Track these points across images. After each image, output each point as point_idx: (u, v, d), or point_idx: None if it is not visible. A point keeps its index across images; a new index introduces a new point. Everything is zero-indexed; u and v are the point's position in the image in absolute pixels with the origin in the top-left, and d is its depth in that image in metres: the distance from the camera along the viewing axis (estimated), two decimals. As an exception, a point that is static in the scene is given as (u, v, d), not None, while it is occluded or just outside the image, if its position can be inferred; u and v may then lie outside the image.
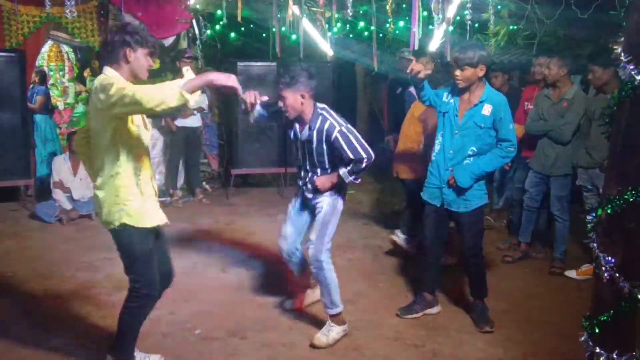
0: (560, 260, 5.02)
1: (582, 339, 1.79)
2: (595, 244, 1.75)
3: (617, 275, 1.64)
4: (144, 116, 3.08)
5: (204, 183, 7.97)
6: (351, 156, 3.51)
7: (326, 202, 3.69)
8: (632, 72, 1.64)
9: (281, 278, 4.61)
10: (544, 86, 5.20)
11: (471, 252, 3.99)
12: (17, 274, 4.74)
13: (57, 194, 6.41)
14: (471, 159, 3.80)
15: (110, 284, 4.50)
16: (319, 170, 3.71)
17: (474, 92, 3.79)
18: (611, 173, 1.78)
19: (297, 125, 3.68)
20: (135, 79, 2.99)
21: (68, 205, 6.38)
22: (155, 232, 3.12)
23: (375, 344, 3.66)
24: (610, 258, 1.66)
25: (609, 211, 1.66)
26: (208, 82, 2.80)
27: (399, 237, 5.25)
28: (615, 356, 1.63)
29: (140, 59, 2.95)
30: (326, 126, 3.53)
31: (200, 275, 4.81)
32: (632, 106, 1.72)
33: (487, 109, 3.74)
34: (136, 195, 2.99)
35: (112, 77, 2.86)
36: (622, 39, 1.70)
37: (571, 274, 4.88)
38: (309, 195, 3.77)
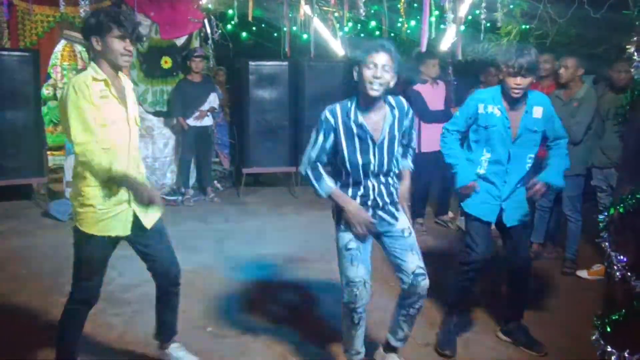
0: (571, 261, 5.00)
1: (594, 337, 1.79)
2: (607, 243, 1.75)
3: (629, 274, 1.64)
4: (129, 111, 2.90)
5: (215, 182, 8.01)
6: (414, 138, 3.18)
7: (406, 220, 3.14)
8: (646, 72, 1.65)
9: (292, 277, 4.63)
10: (557, 87, 5.16)
11: (527, 266, 3.69)
12: (30, 270, 4.80)
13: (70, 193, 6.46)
14: (530, 166, 3.53)
15: (124, 281, 4.55)
16: (391, 174, 3.08)
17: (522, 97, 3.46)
18: (624, 172, 1.78)
19: (364, 121, 2.97)
20: (115, 69, 2.85)
21: (81, 204, 6.43)
22: (139, 238, 2.99)
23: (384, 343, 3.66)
24: (622, 257, 1.66)
25: (621, 210, 1.66)
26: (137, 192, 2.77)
27: None
28: (627, 355, 1.63)
29: (110, 45, 2.76)
30: (404, 106, 3.03)
31: (212, 273, 4.84)
32: (646, 106, 1.73)
33: (537, 112, 3.49)
34: (98, 200, 2.81)
35: (68, 93, 2.70)
36: (635, 38, 1.70)
37: (582, 274, 4.87)
38: (395, 215, 3.09)
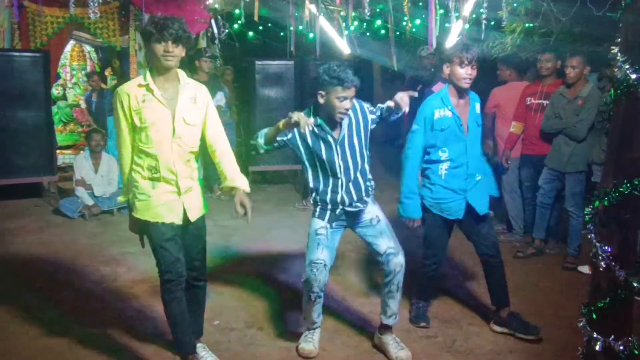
0: (573, 256, 5.06)
1: (581, 324, 1.87)
2: (593, 235, 1.83)
3: (613, 264, 1.72)
4: (176, 112, 3.06)
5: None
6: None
7: (377, 210, 3.51)
8: (627, 71, 1.72)
9: (297, 272, 4.71)
10: (564, 85, 5.19)
11: (496, 250, 3.87)
12: (42, 267, 4.91)
13: (79, 191, 6.58)
14: (479, 156, 3.84)
15: (132, 277, 4.65)
16: (359, 170, 3.40)
17: (466, 94, 3.74)
18: (608, 167, 1.86)
19: (326, 133, 3.33)
20: (162, 73, 3.03)
21: (90, 201, 6.54)
22: (183, 227, 3.18)
23: (388, 336, 3.75)
24: (606, 247, 1.74)
25: (605, 203, 1.74)
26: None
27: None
28: (612, 341, 1.71)
29: (152, 49, 2.98)
30: (361, 107, 3.39)
31: (219, 269, 4.94)
32: (627, 103, 1.80)
33: (477, 107, 3.79)
34: (148, 190, 3.08)
35: (116, 100, 3.06)
36: (619, 39, 1.78)
37: (584, 269, 4.91)
38: (355, 207, 3.42)
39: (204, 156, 7.46)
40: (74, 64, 9.57)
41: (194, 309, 3.38)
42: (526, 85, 5.72)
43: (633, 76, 1.69)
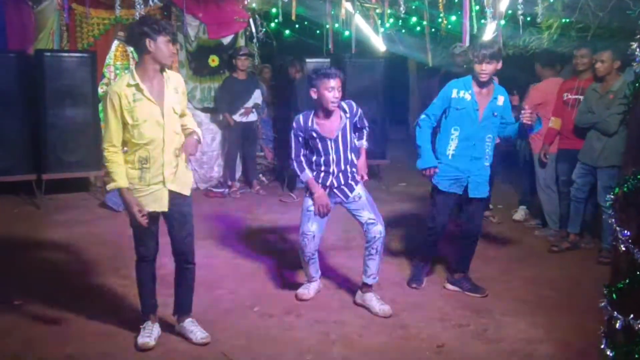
0: (608, 251, 5.07)
1: (602, 305, 1.97)
2: (613, 219, 1.93)
3: (632, 246, 1.82)
4: (164, 107, 3.31)
5: (260, 175, 8.32)
6: (365, 123, 4.14)
7: (360, 189, 4.10)
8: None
9: (333, 263, 4.87)
10: (595, 80, 5.23)
11: (478, 232, 4.45)
12: (93, 256, 5.17)
13: (125, 185, 6.85)
14: (489, 147, 4.21)
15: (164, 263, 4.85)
16: (349, 162, 4.04)
17: (489, 85, 4.16)
18: (628, 156, 1.96)
19: (318, 127, 3.94)
20: (161, 66, 3.30)
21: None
22: (171, 215, 3.47)
23: (421, 324, 3.88)
24: (626, 231, 1.84)
25: (625, 190, 1.84)
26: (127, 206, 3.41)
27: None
28: (631, 320, 1.81)
29: (160, 47, 3.22)
30: (353, 107, 4.01)
31: (257, 259, 5.13)
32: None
33: (500, 100, 4.19)
34: (135, 181, 3.34)
35: (106, 100, 3.28)
36: (638, 36, 1.87)
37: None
38: (348, 192, 4.06)
39: (244, 153, 7.76)
40: (117, 63, 9.80)
41: (184, 289, 3.70)
42: (562, 81, 5.75)
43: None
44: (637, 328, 1.77)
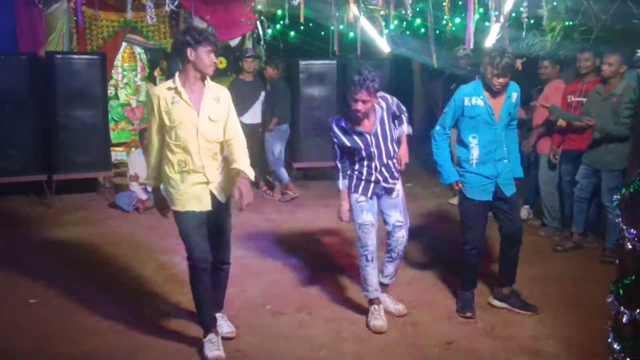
0: (611, 250, 5.16)
1: (609, 300, 2.07)
2: (620, 219, 2.02)
3: (638, 244, 1.91)
4: (200, 112, 3.40)
5: (267, 176, 8.40)
6: (403, 108, 4.04)
7: (399, 186, 4.04)
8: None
9: (341, 261, 4.97)
10: (601, 82, 5.29)
11: (520, 235, 4.16)
12: (103, 255, 5.27)
13: (134, 186, 6.93)
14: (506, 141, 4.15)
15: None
16: (391, 156, 3.95)
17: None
18: (634, 157, 2.05)
19: (358, 127, 3.85)
20: (202, 75, 3.41)
21: (144, 195, 6.89)
22: (210, 216, 3.52)
23: (430, 321, 3.98)
24: (632, 230, 1.93)
25: (631, 190, 1.93)
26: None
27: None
28: (637, 314, 1.91)
29: (201, 56, 3.33)
30: (388, 99, 3.91)
31: (268, 258, 5.23)
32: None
33: (514, 97, 4.06)
34: (177, 183, 3.44)
35: (148, 101, 3.49)
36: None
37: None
38: (390, 184, 3.97)
39: (250, 154, 7.83)
40: (125, 65, 10.00)
41: (218, 288, 3.75)
42: (563, 83, 5.86)
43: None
44: (643, 322, 1.87)
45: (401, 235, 3.98)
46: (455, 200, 7.01)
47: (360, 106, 3.73)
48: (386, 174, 3.95)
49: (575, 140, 5.49)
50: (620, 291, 1.95)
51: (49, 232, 5.99)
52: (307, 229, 6.15)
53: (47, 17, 7.56)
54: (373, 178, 3.94)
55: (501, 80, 3.91)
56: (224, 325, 3.76)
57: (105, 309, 4.13)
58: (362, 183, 3.97)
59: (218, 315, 3.76)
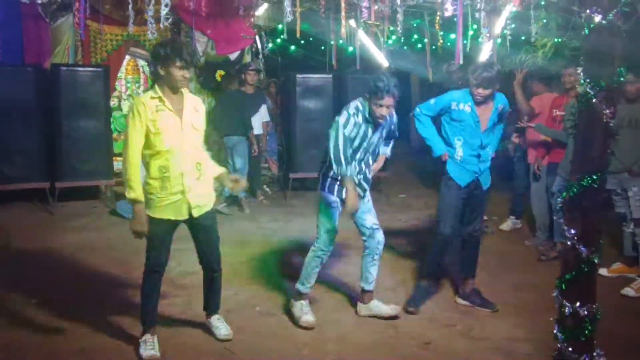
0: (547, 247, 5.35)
1: (554, 294, 2.26)
2: (562, 220, 2.21)
3: (577, 243, 2.10)
4: (183, 120, 3.55)
5: (264, 186, 8.60)
6: (397, 134, 4.26)
7: (368, 193, 4.20)
8: (587, 88, 2.11)
9: (332, 268, 5.16)
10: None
11: (479, 231, 4.56)
12: (103, 261, 5.45)
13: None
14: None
15: (182, 269, 5.13)
16: (371, 162, 4.13)
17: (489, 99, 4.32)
18: (574, 165, 2.25)
19: (370, 129, 3.98)
20: (174, 91, 3.55)
21: (144, 203, 7.09)
22: (191, 224, 3.69)
23: (411, 324, 4.15)
24: (572, 230, 2.12)
25: (571, 194, 2.13)
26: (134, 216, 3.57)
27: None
28: (577, 307, 2.10)
29: (171, 72, 3.46)
30: (393, 115, 4.10)
31: (261, 262, 5.44)
32: (588, 113, 2.18)
33: (500, 108, 4.37)
34: (156, 190, 3.54)
35: (132, 109, 3.51)
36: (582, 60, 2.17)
37: (603, 271, 5.14)
38: (366, 187, 4.12)
39: (249, 165, 8.04)
40: (128, 77, 10.21)
41: (212, 293, 3.98)
42: (555, 96, 6.06)
43: (591, 92, 2.08)
44: (582, 314, 2.05)
45: (381, 236, 4.16)
46: None
47: (385, 111, 3.87)
48: (362, 177, 4.07)
49: (559, 153, 5.67)
50: (563, 286, 2.14)
51: (52, 238, 6.19)
52: (301, 236, 6.31)
53: (54, 31, 7.84)
54: (356, 176, 4.01)
55: (480, 90, 4.18)
56: (222, 327, 3.90)
57: (103, 308, 4.32)
58: (337, 185, 4.03)
59: (215, 317, 3.96)
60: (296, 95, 8.18)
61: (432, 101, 4.42)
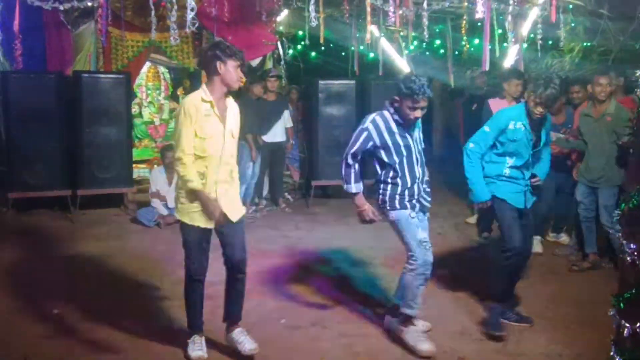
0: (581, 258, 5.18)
1: (611, 313, 2.11)
2: (620, 234, 2.07)
3: (637, 259, 1.95)
4: (226, 127, 3.52)
5: (286, 194, 8.51)
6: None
7: None
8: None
9: (358, 278, 5.03)
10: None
11: (529, 254, 4.36)
12: (126, 268, 5.38)
13: (155, 203, 7.09)
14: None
15: (209, 278, 5.02)
16: (426, 171, 3.94)
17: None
18: (632, 174, 2.10)
19: (404, 131, 3.80)
20: (228, 89, 3.51)
21: (165, 211, 7.03)
22: (219, 233, 3.61)
23: (442, 337, 3.99)
24: (632, 245, 1.98)
25: (630, 205, 1.98)
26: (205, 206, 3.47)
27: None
28: (638, 328, 1.95)
29: (230, 70, 3.43)
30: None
31: (285, 272, 5.31)
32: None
33: (549, 121, 4.27)
34: (190, 196, 3.48)
35: (179, 111, 3.45)
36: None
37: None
38: (427, 202, 3.97)
39: (270, 172, 7.96)
40: (149, 84, 10.20)
41: (234, 297, 3.82)
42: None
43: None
44: (643, 335, 1.91)
45: (431, 255, 3.84)
46: (472, 220, 7.07)
47: (419, 113, 3.73)
48: (423, 191, 3.92)
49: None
50: (621, 305, 2.00)
51: (73, 246, 6.14)
52: (325, 245, 6.23)
53: (76, 38, 7.83)
54: (416, 194, 3.84)
55: (542, 109, 3.99)
56: (246, 341, 3.71)
57: (125, 320, 4.23)
58: (406, 197, 3.81)
59: (237, 330, 3.78)
60: (318, 101, 8.08)
61: (486, 128, 4.16)
